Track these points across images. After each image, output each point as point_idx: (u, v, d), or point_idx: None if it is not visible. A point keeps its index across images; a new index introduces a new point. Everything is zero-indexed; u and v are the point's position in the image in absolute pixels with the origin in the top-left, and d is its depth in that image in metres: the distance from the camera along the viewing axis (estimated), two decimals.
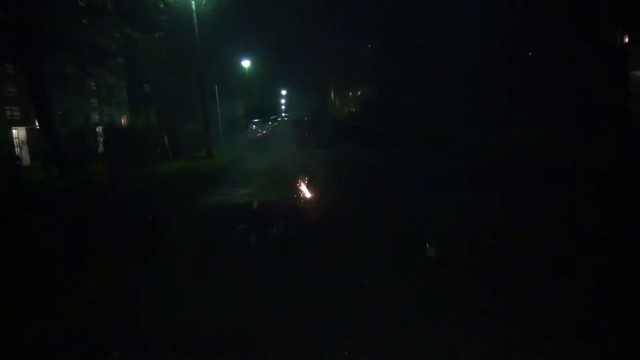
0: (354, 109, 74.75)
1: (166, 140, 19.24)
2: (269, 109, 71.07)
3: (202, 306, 4.67)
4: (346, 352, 3.54)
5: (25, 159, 26.27)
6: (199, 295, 4.99)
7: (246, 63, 47.02)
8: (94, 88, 37.04)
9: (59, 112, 27.04)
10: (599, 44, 22.41)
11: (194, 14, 20.66)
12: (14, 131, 29.53)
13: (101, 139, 20.98)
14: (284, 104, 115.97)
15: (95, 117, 39.99)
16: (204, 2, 20.67)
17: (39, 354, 3.93)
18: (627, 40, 22.49)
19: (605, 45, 22.40)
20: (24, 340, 4.20)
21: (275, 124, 55.25)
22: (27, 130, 29.50)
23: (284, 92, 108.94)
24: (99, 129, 23.94)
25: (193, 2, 20.31)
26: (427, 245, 6.18)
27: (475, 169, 13.49)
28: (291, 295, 4.80)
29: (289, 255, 6.29)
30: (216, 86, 31.11)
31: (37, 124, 30.11)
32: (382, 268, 5.46)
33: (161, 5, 18.67)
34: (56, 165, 16.74)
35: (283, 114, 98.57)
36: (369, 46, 59.41)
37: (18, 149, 25.81)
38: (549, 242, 6.06)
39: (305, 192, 11.72)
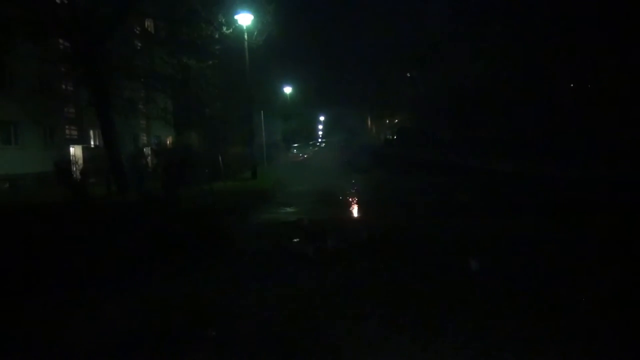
0: (390, 136, 75.55)
1: (220, 161, 20.50)
2: (307, 134, 72.51)
3: (263, 304, 5.47)
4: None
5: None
6: (262, 294, 5.83)
7: (288, 89, 48.78)
8: (143, 110, 39.08)
9: None
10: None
11: (246, 44, 22.05)
12: (72, 149, 31.45)
13: (154, 158, 22.30)
14: (321, 129, 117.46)
15: (144, 137, 42.00)
16: (255, 33, 22.10)
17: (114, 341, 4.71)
18: None
19: None
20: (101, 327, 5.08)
21: (316, 148, 56.62)
22: (84, 149, 31.36)
23: (322, 118, 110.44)
24: (148, 149, 25.39)
25: (245, 34, 21.74)
26: (471, 260, 6.93)
27: (493, 196, 15.46)
28: (341, 296, 5.62)
29: (335, 264, 7.16)
30: (262, 111, 32.49)
31: (92, 143, 32.09)
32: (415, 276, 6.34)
33: (216, 36, 20.09)
34: (116, 181, 18.05)
35: (320, 139, 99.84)
36: (408, 75, 60.48)
37: (76, 166, 27.49)
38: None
39: (346, 213, 12.54)
